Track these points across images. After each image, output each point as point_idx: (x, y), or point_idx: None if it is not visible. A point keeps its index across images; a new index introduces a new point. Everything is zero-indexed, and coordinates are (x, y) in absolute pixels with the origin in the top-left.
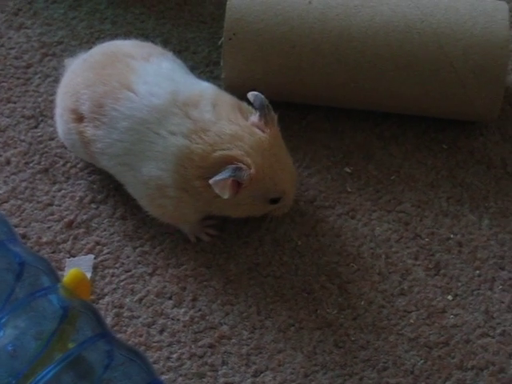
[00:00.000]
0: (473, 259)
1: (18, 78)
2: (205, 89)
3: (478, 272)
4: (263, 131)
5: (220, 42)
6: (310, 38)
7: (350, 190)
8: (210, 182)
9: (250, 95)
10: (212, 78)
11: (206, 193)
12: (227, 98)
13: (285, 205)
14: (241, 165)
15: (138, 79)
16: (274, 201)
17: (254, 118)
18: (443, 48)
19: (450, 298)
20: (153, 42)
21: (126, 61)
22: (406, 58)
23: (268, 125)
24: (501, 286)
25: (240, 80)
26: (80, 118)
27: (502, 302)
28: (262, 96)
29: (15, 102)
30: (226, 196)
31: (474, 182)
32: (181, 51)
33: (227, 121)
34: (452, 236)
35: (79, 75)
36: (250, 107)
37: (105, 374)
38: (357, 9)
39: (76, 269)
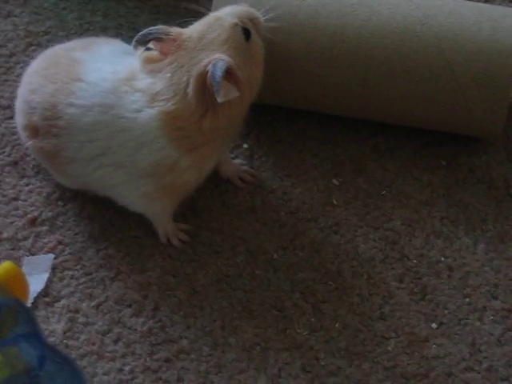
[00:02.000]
0: (463, 286)
1: (0, 67)
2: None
3: (467, 300)
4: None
5: None
6: (300, 36)
7: (335, 202)
8: (219, 100)
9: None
10: None
11: (225, 113)
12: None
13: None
14: (211, 64)
15: (85, 69)
16: (247, 34)
17: (155, 48)
18: (444, 53)
19: (434, 326)
20: None
21: (68, 55)
22: (403, 63)
23: (169, 37)
24: (492, 317)
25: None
26: (35, 131)
27: (492, 335)
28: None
29: None
30: (236, 93)
31: (473, 202)
32: None
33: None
34: (443, 259)
35: (24, 84)
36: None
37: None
38: (353, 7)
39: (9, 262)
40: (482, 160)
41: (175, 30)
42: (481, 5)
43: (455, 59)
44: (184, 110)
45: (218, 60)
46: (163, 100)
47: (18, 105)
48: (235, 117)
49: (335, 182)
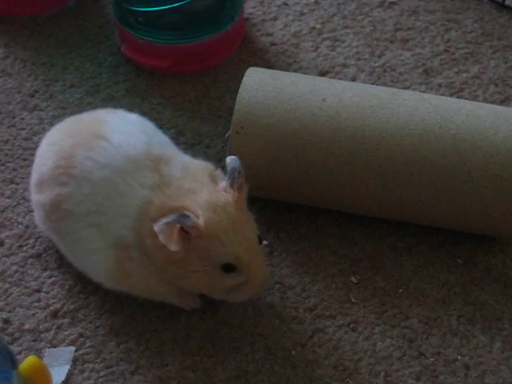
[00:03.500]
0: None
1: (25, 160)
2: (177, 151)
3: None
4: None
5: (227, 135)
6: (321, 137)
7: (354, 300)
8: (155, 227)
9: (228, 158)
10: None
11: (159, 252)
12: (201, 164)
13: (248, 282)
14: (188, 213)
15: (109, 128)
16: (228, 269)
17: (223, 183)
18: (461, 155)
19: None
20: (166, 133)
21: (92, 115)
22: (421, 164)
23: (233, 187)
24: None
25: (246, 176)
26: (41, 185)
27: None
28: (238, 161)
29: (18, 184)
30: (172, 247)
31: (489, 301)
32: (194, 144)
33: (191, 178)
34: (459, 357)
35: (42, 144)
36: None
37: None
38: (372, 109)
39: (33, 356)
40: (498, 259)
41: (238, 189)
42: (497, 107)
43: (472, 161)
44: (155, 214)
45: (194, 217)
46: (162, 193)
47: (34, 166)
48: (175, 272)
49: (353, 279)
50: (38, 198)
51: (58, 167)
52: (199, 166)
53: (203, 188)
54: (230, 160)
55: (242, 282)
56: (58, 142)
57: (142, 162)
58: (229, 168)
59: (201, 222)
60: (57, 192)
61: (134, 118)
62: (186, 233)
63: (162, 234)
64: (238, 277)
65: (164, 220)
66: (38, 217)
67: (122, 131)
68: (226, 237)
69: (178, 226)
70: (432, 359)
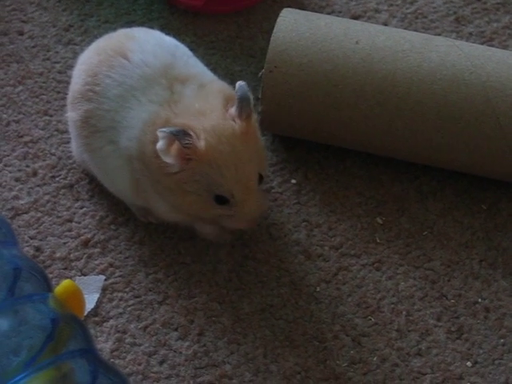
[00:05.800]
0: (499, 327)
1: (58, 92)
2: (203, 73)
3: (502, 341)
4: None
5: (260, 74)
6: (353, 79)
7: (378, 240)
8: (158, 132)
9: (237, 84)
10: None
11: (156, 160)
12: (219, 85)
13: (236, 216)
14: (191, 132)
15: (133, 47)
16: (221, 201)
17: (233, 109)
18: (490, 101)
19: (469, 364)
20: None
21: (125, 31)
22: (450, 109)
23: (241, 117)
24: None
25: (278, 114)
26: (74, 101)
27: None
28: (247, 88)
29: (51, 116)
30: (167, 158)
31: (511, 246)
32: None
33: (203, 99)
34: (480, 300)
35: (77, 63)
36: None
37: None
38: (404, 53)
39: (69, 280)
40: None
41: (246, 120)
42: None
43: (501, 108)
44: (160, 127)
45: (195, 138)
46: (170, 109)
47: (70, 86)
48: (168, 186)
49: (379, 220)
50: (71, 115)
51: (86, 84)
52: (215, 87)
53: (212, 112)
54: (239, 87)
55: (230, 214)
56: (87, 60)
57: (155, 81)
58: (237, 96)
59: (201, 145)
60: (85, 108)
61: (167, 39)
62: (186, 150)
63: (162, 141)
64: (228, 210)
65: (169, 129)
66: (72, 137)
67: (145, 50)
68: (227, 170)
69: (178, 144)
70: (453, 301)
